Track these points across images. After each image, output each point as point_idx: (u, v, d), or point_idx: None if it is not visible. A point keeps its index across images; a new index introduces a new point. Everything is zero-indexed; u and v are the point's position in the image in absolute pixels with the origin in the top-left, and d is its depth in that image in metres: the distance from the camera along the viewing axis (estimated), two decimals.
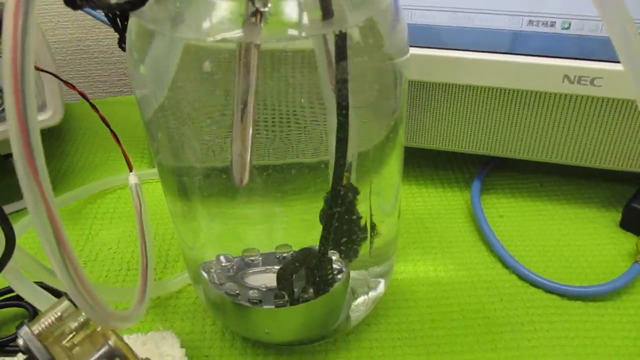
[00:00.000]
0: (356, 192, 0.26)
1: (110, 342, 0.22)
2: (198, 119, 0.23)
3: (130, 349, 0.22)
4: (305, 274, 0.27)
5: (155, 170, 0.42)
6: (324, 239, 0.26)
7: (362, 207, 0.27)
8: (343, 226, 0.27)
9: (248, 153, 0.21)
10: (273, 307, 0.26)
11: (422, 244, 0.35)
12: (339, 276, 0.27)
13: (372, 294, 0.29)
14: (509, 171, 0.42)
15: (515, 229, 0.36)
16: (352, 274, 0.29)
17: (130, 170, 0.34)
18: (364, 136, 0.25)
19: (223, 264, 0.28)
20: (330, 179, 0.24)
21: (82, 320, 0.22)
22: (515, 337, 0.29)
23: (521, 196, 0.39)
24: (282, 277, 0.26)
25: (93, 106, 0.34)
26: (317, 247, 0.26)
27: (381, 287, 0.30)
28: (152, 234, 0.32)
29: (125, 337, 0.28)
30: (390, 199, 0.29)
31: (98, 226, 0.38)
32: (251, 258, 0.29)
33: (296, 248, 0.28)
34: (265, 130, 0.23)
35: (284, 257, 0.29)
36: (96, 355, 0.21)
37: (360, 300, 0.29)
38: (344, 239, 0.27)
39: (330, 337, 0.29)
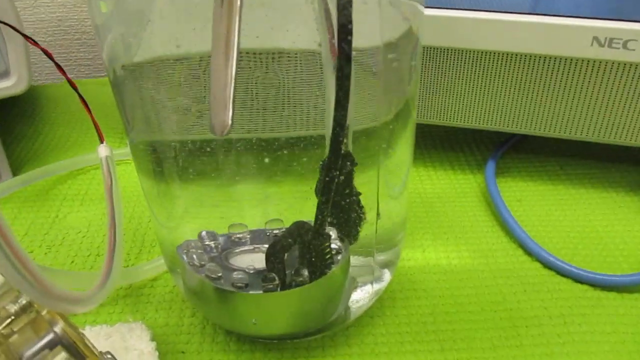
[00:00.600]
0: (354, 162, 0.22)
1: (57, 329, 0.18)
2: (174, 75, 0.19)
3: (83, 339, 0.18)
4: (298, 253, 0.22)
5: None
6: (321, 210, 0.22)
7: (366, 189, 0.23)
8: (341, 202, 0.23)
9: (231, 86, 0.16)
10: (261, 292, 0.22)
11: (431, 229, 0.31)
12: (339, 257, 0.23)
13: (375, 285, 0.25)
14: (524, 153, 0.38)
15: (535, 214, 0.32)
16: (354, 260, 0.25)
17: (101, 142, 0.30)
18: (374, 110, 0.21)
19: (205, 242, 0.24)
20: (327, 143, 0.20)
21: (23, 302, 0.18)
22: (543, 332, 0.25)
23: (540, 179, 0.35)
24: (272, 256, 0.22)
25: (60, 68, 0.31)
26: (313, 222, 0.22)
27: (386, 277, 0.26)
28: (122, 211, 0.27)
29: (88, 329, 0.24)
30: (399, 181, 0.25)
31: (67, 208, 0.33)
32: (238, 235, 0.25)
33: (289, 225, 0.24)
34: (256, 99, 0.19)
35: (276, 235, 0.25)
36: (38, 345, 0.17)
37: (361, 291, 0.25)
38: (342, 217, 0.23)
39: (327, 330, 0.25)
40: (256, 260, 0.24)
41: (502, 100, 0.33)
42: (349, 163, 0.23)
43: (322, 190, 0.21)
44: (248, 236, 0.25)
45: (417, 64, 0.23)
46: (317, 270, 0.23)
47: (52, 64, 0.30)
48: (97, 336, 0.23)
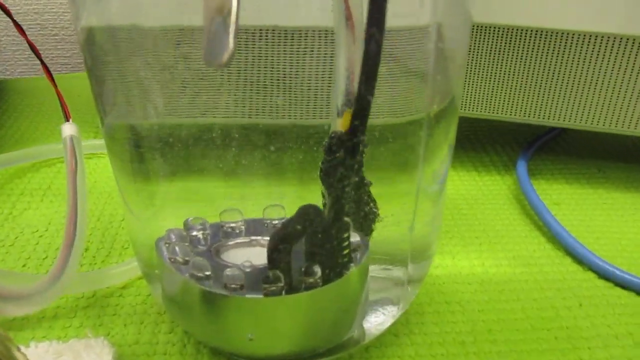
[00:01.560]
0: (365, 143, 0.18)
1: None
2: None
3: (11, 353, 0.13)
4: (307, 247, 0.17)
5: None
6: (337, 190, 0.17)
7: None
8: (351, 191, 0.18)
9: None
10: (260, 295, 0.17)
11: (459, 233, 0.26)
12: (358, 256, 0.18)
13: (402, 303, 0.20)
14: (553, 155, 0.34)
15: (578, 219, 0.28)
16: (380, 272, 0.20)
17: (67, 120, 0.25)
18: (416, 99, 0.17)
19: (193, 233, 0.19)
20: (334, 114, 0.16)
21: None
22: (611, 356, 0.20)
23: (577, 182, 0.31)
24: (276, 249, 0.17)
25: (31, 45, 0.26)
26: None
27: (410, 295, 0.21)
28: (87, 201, 0.22)
29: (32, 347, 0.18)
30: (438, 178, 0.20)
31: (24, 204, 0.28)
32: (231, 225, 0.19)
33: (291, 213, 0.19)
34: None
35: (275, 226, 0.20)
36: None
37: (385, 310, 0.20)
38: (351, 211, 0.19)
39: (341, 351, 0.20)
40: (253, 255, 0.19)
41: (544, 88, 0.28)
42: (360, 145, 0.18)
43: (343, 166, 0.16)
44: (243, 226, 0.20)
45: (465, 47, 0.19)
46: (333, 269, 0.18)
47: (24, 57, 0.25)
48: (43, 354, 0.18)
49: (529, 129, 0.35)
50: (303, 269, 0.17)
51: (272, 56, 0.18)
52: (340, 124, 0.19)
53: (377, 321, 0.20)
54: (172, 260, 0.18)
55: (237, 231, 0.20)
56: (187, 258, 0.18)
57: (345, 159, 0.18)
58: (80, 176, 0.22)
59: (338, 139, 0.17)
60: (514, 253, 0.25)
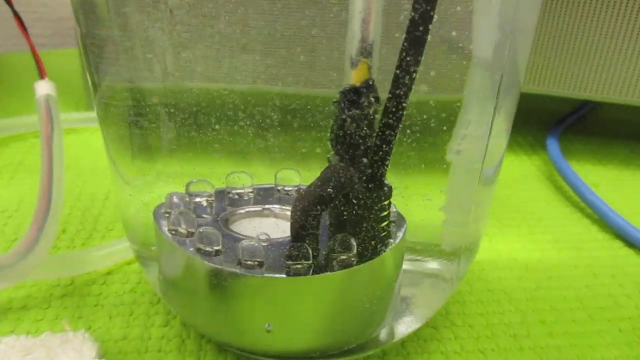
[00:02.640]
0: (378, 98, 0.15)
1: None
2: None
3: None
4: (333, 217, 0.14)
5: (87, 115, 0.29)
6: (376, 148, 0.14)
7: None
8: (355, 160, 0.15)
9: None
10: (283, 275, 0.14)
11: (494, 215, 0.23)
12: (398, 233, 0.15)
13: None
14: (582, 135, 0.31)
15: (621, 200, 0.25)
16: (423, 266, 0.17)
17: (42, 77, 0.21)
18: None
19: (196, 200, 0.16)
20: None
21: None
22: None
23: (611, 163, 0.28)
24: (302, 219, 0.14)
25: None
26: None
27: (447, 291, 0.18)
28: (64, 170, 0.18)
29: None
30: (495, 159, 0.17)
31: None
32: (238, 191, 0.16)
33: (306, 181, 0.16)
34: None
35: (288, 193, 0.17)
36: None
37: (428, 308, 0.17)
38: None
39: (374, 347, 0.16)
40: (267, 227, 0.16)
41: (577, 55, 0.26)
42: (373, 98, 0.15)
43: (385, 119, 0.13)
44: (252, 193, 0.17)
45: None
46: (369, 245, 0.14)
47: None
48: (7, 352, 0.14)
49: (552, 109, 0.33)
50: (336, 243, 0.14)
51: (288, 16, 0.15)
52: (355, 76, 0.16)
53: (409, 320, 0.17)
54: (174, 232, 0.14)
55: (246, 198, 0.17)
56: (191, 229, 0.14)
57: (364, 115, 0.15)
58: (56, 141, 0.19)
59: (355, 92, 0.14)
60: (557, 236, 0.22)
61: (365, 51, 0.16)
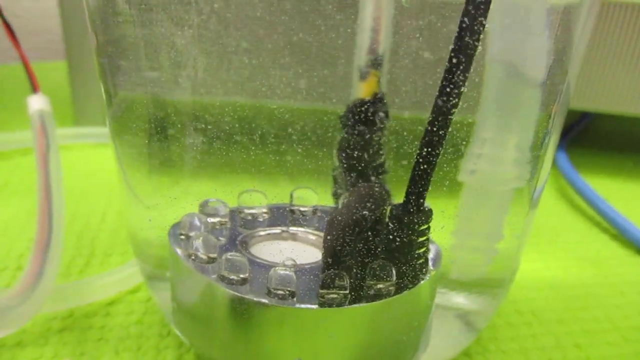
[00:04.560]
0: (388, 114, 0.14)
1: None
2: None
3: None
4: (370, 241, 0.13)
5: (85, 130, 0.27)
6: (419, 173, 0.13)
7: None
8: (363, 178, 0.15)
9: None
10: (315, 306, 0.12)
11: None
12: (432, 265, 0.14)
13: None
14: (581, 148, 0.31)
15: (636, 214, 0.24)
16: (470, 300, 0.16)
17: (35, 91, 0.19)
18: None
19: (210, 220, 0.14)
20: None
21: None
22: None
23: (617, 175, 0.28)
24: (338, 243, 0.12)
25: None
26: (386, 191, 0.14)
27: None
28: (63, 193, 0.17)
29: None
30: (543, 178, 0.16)
31: None
32: (251, 211, 0.15)
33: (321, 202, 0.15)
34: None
35: (304, 214, 0.16)
36: None
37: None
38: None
39: None
40: (287, 251, 0.14)
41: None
42: (382, 114, 0.15)
43: (428, 137, 0.12)
44: (266, 214, 0.15)
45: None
46: (408, 273, 0.13)
47: None
48: None
49: None
50: (374, 271, 0.13)
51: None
52: (364, 89, 0.15)
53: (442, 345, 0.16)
54: (193, 257, 0.13)
55: (260, 219, 0.15)
56: (212, 255, 0.13)
57: (373, 130, 0.14)
58: (53, 160, 0.17)
59: (366, 106, 0.14)
60: (577, 253, 0.21)
61: (375, 63, 0.15)
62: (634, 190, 0.27)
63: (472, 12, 0.10)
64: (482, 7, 0.10)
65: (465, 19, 0.10)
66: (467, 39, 0.10)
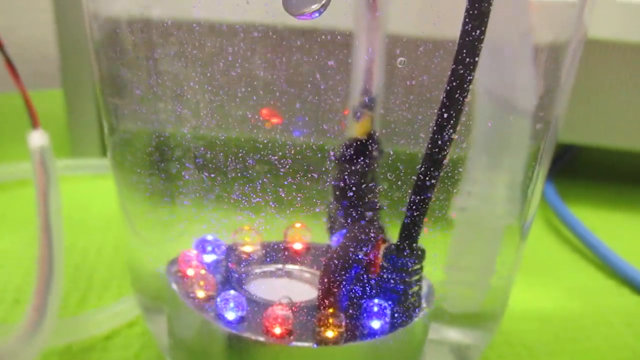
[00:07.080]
0: (382, 150, 0.15)
1: None
2: None
3: None
4: (358, 280, 0.14)
5: (73, 162, 0.28)
6: (411, 218, 0.13)
7: None
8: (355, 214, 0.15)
9: None
10: (312, 345, 0.13)
11: None
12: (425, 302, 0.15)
13: None
14: (567, 179, 0.31)
15: (620, 245, 0.25)
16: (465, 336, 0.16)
17: (35, 127, 0.20)
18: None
19: (208, 258, 0.15)
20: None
21: None
22: None
23: (604, 206, 0.29)
24: (335, 283, 0.13)
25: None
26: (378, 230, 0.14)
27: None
28: (62, 229, 0.17)
29: None
30: (531, 212, 0.16)
31: None
32: (245, 249, 0.15)
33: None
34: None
35: (298, 252, 0.16)
36: None
37: None
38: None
39: None
40: (283, 289, 0.15)
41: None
42: (375, 150, 0.15)
43: (420, 184, 0.13)
44: (260, 252, 0.16)
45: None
46: (403, 310, 0.14)
47: None
48: None
49: None
50: (371, 309, 0.13)
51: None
52: (357, 129, 0.15)
53: None
54: (191, 295, 0.13)
55: (255, 257, 0.16)
56: (210, 292, 0.13)
57: (368, 166, 0.14)
58: (53, 196, 0.18)
59: (359, 145, 0.14)
60: (566, 284, 0.22)
61: (368, 103, 0.15)
62: (618, 220, 0.27)
63: (460, 71, 0.11)
64: (469, 68, 0.11)
65: (453, 79, 0.11)
66: (456, 95, 0.11)
